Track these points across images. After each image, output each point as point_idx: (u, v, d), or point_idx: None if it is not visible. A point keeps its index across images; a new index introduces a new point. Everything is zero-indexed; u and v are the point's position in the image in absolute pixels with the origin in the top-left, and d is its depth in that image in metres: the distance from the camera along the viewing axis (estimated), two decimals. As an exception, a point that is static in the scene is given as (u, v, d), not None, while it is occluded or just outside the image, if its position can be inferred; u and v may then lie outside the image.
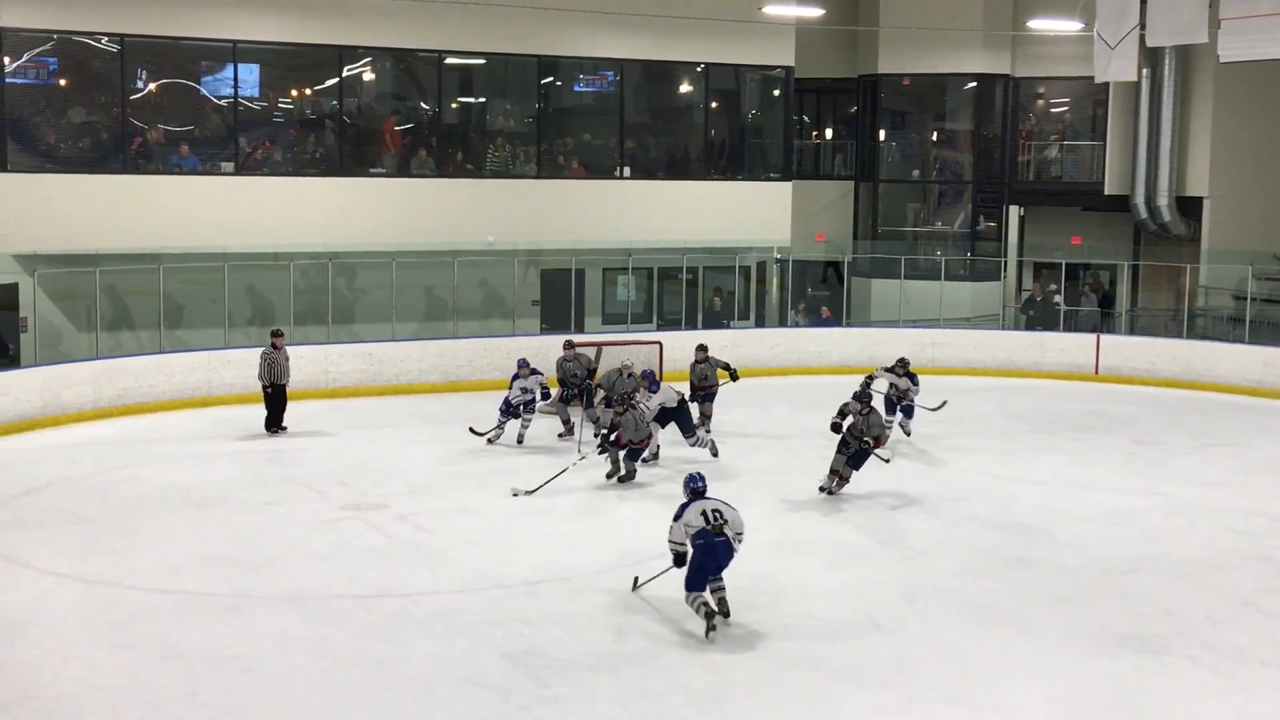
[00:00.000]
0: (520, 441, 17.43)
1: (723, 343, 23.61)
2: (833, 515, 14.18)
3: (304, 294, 21.83)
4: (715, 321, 24.74)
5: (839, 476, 14.87)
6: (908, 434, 17.78)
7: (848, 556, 12.77)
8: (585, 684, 9.55)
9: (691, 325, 24.36)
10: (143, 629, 10.52)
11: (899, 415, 17.66)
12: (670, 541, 10.81)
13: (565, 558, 12.57)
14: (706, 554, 10.63)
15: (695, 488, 10.94)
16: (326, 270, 21.31)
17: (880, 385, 17.24)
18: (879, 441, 14.78)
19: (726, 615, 10.70)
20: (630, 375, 18.59)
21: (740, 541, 10.74)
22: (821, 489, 14.98)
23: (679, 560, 10.83)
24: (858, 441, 14.71)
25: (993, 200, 27.80)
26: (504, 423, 17.45)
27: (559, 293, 23.56)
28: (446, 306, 22.69)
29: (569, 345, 18.82)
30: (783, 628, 10.73)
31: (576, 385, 18.29)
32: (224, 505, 14.25)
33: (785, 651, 10.23)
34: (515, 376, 17.47)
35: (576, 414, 18.01)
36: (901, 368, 17.65)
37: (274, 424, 17.97)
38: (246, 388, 19.48)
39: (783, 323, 25.75)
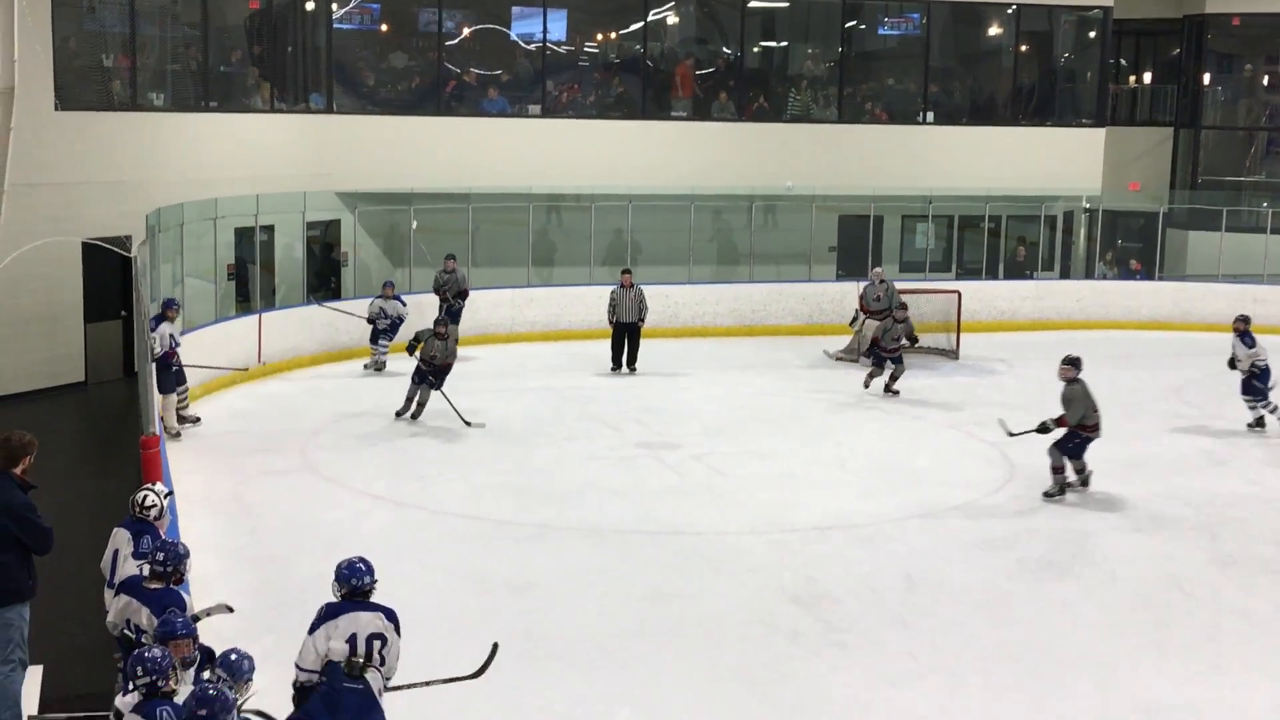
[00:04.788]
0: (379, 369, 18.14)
1: (1024, 294, 22.97)
2: (1141, 477, 13.58)
3: (603, 234, 22.25)
4: (1018, 272, 23.94)
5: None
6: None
7: (1155, 519, 12.23)
8: (874, 633, 9.48)
9: (993, 275, 23.67)
10: (449, 553, 11.02)
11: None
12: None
13: (856, 506, 12.48)
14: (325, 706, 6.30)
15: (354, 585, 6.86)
16: (626, 212, 21.63)
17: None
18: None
19: None
20: (883, 281, 19.28)
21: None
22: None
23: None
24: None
25: (1329, 148, 25.99)
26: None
27: (856, 239, 23.24)
28: (743, 251, 22.74)
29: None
30: (1081, 589, 10.39)
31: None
32: (526, 439, 14.71)
33: (1083, 614, 9.90)
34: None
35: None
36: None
37: (615, 363, 18.40)
38: (547, 325, 20.19)
39: (1089, 275, 24.73)
